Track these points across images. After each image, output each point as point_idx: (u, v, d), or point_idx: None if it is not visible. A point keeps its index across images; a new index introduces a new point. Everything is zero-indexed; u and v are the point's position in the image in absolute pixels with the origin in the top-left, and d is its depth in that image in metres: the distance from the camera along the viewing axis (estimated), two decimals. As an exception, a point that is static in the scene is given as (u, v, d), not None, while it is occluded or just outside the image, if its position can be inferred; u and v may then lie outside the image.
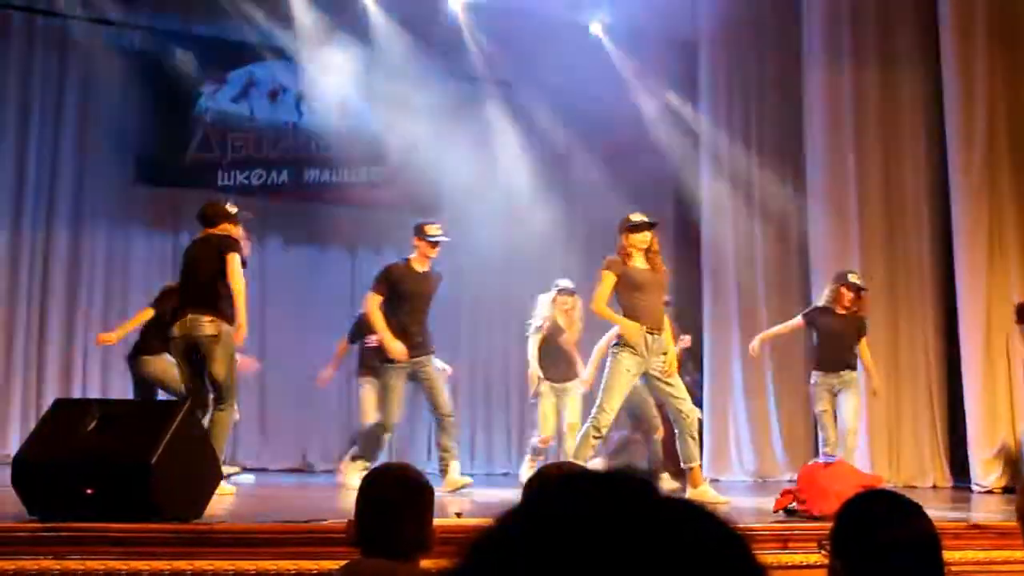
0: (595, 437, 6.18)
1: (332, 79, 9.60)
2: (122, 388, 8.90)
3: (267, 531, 4.08)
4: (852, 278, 7.67)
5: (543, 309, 7.96)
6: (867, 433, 8.64)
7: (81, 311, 9.30)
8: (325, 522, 4.19)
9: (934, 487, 8.93)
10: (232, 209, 6.37)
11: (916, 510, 2.48)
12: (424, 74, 9.63)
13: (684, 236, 10.34)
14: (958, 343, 9.03)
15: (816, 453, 7.75)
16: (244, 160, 9.69)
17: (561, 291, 8.00)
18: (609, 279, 6.30)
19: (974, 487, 8.53)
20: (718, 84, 10.25)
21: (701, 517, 0.76)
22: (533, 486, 2.51)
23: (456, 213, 9.27)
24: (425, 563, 2.62)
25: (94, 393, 8.84)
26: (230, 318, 6.02)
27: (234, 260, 6.00)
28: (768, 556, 4.50)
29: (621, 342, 6.25)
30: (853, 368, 7.55)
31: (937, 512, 6.55)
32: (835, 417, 7.46)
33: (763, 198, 10.09)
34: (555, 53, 9.67)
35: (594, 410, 6.23)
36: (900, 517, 2.38)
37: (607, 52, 10.27)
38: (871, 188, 9.47)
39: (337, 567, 2.77)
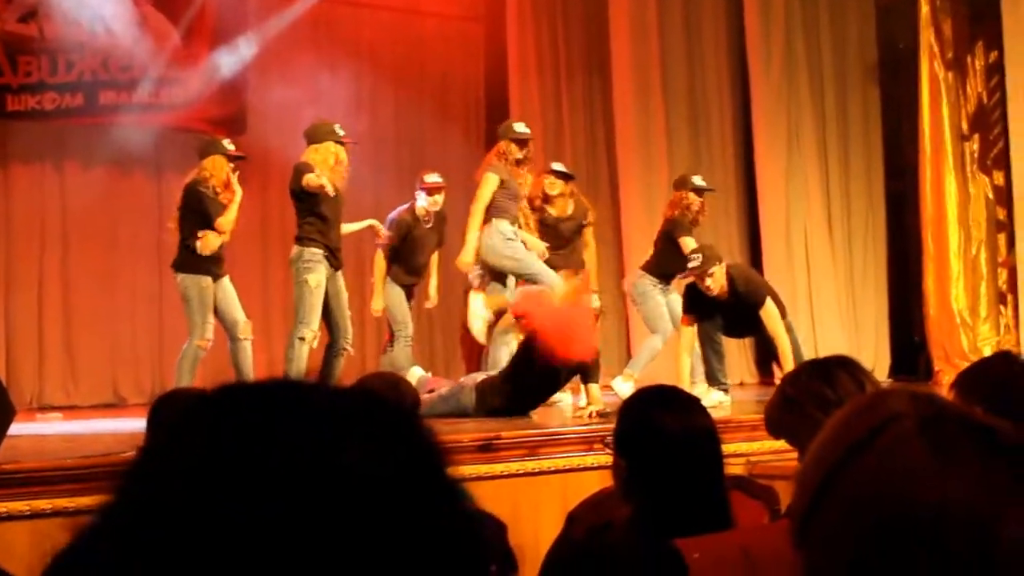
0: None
1: (127, -4, 9.14)
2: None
3: (64, 468, 3.96)
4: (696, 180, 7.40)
5: None
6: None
7: None
8: (125, 455, 4.08)
9: (741, 384, 9.30)
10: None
11: (694, 405, 2.56)
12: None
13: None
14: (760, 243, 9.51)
15: None
16: (36, 84, 9.19)
17: None
18: None
19: (777, 383, 8.93)
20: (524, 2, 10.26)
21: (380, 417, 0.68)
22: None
23: (263, 132, 9.07)
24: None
25: None
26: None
27: None
28: (574, 458, 4.63)
29: None
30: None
31: (741, 405, 6.84)
32: None
33: (572, 100, 10.21)
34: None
35: None
36: (678, 413, 2.45)
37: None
38: (676, 93, 9.80)
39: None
